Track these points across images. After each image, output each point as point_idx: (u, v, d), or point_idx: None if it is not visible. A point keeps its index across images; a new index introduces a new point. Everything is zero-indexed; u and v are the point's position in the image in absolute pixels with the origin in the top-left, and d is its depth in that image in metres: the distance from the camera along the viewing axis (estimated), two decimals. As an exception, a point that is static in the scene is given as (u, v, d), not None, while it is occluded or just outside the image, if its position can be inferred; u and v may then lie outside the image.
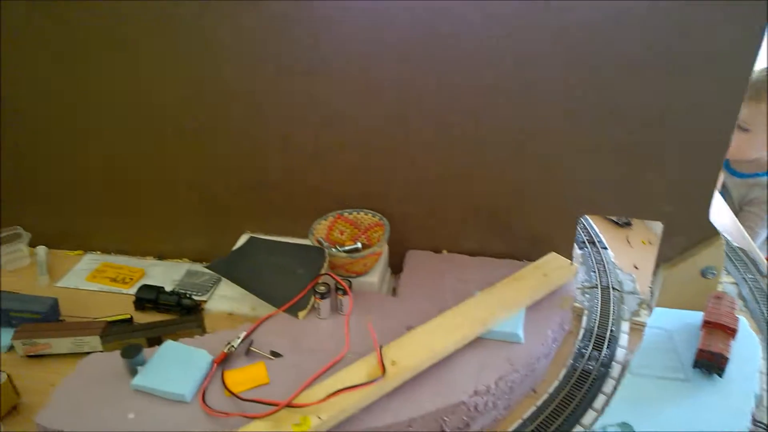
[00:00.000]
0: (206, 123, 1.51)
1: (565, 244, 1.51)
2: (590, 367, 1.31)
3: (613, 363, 1.32)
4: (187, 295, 1.52)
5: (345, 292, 1.34)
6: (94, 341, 1.35)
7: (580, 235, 1.76)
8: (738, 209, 2.31)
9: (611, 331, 1.40)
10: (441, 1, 1.25)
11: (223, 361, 1.21)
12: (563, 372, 1.31)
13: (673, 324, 1.30)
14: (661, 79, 1.25)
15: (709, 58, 1.21)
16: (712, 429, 1.07)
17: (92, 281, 1.64)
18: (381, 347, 1.18)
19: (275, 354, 1.24)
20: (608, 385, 1.26)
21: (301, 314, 1.34)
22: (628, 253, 1.74)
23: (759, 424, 1.12)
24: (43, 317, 1.42)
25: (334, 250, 1.44)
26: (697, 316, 1.29)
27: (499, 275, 1.41)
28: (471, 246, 1.57)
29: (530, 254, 1.51)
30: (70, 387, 1.17)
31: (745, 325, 1.29)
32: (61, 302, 1.49)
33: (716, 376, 1.17)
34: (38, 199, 1.73)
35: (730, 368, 1.18)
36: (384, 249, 1.52)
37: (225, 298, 1.52)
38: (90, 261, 1.74)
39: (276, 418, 1.05)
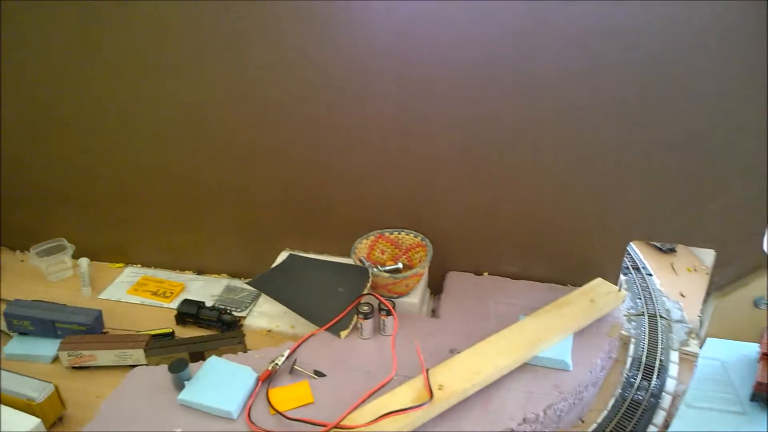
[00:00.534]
0: (252, 141, 1.52)
1: (613, 269, 1.48)
2: (640, 397, 1.27)
3: (663, 393, 1.28)
4: (228, 311, 1.52)
5: (389, 313, 1.32)
6: (138, 354, 1.36)
7: (624, 260, 1.72)
8: None
9: (660, 360, 1.37)
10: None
11: (268, 379, 1.20)
12: (612, 402, 1.28)
13: (727, 355, 1.27)
14: (720, 110, 1.23)
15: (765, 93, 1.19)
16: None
17: (134, 294, 1.65)
18: (428, 370, 1.16)
19: (318, 373, 1.22)
20: (659, 417, 1.23)
21: (343, 334, 1.33)
22: (674, 280, 1.70)
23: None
24: (88, 329, 1.43)
25: (376, 269, 1.43)
26: (752, 348, 1.25)
27: (543, 299, 1.39)
28: (514, 269, 1.56)
29: (574, 279, 1.49)
30: (118, 400, 1.17)
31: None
32: (104, 314, 1.50)
33: (774, 411, 1.13)
34: (82, 211, 1.75)
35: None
36: (425, 270, 1.50)
37: (264, 315, 1.52)
38: (131, 274, 1.75)
39: (323, 440, 1.04)
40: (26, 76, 1.54)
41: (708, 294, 1.45)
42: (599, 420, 1.23)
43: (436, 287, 1.58)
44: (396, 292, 1.42)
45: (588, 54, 1.24)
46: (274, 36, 1.36)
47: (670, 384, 1.31)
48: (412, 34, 1.29)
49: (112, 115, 1.56)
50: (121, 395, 1.18)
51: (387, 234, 1.53)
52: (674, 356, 1.39)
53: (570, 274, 1.52)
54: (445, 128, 1.40)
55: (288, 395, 1.17)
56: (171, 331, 1.47)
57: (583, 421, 1.26)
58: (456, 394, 1.11)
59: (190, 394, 1.15)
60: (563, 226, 1.46)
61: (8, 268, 1.77)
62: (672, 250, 1.84)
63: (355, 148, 1.47)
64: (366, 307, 1.32)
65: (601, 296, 1.39)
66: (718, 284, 1.43)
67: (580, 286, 1.44)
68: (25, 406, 1.18)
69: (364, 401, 1.13)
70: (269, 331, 1.49)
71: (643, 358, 1.38)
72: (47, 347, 1.42)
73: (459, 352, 1.23)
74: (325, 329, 1.34)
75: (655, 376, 1.32)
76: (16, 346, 1.44)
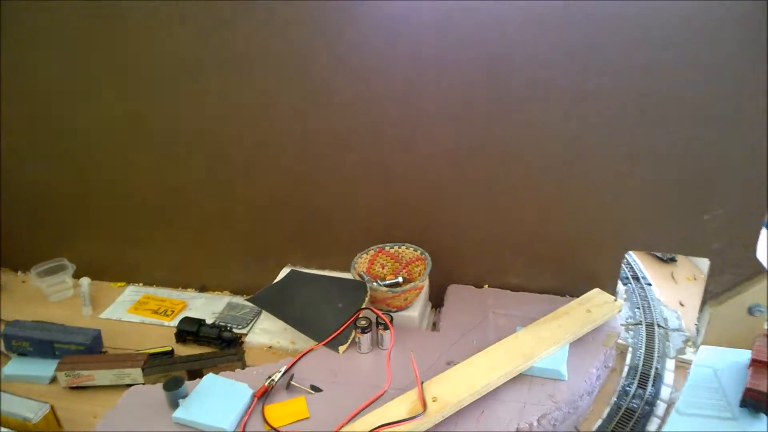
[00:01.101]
0: (252, 159, 1.54)
1: (610, 280, 1.49)
2: (635, 405, 1.28)
3: (658, 401, 1.28)
4: (228, 328, 1.53)
5: (386, 327, 1.33)
6: (135, 373, 1.37)
7: (624, 271, 1.73)
8: None
9: (656, 369, 1.37)
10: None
11: (264, 395, 1.21)
12: (607, 410, 1.28)
13: (719, 362, 1.27)
14: (714, 124, 1.25)
15: (759, 107, 1.21)
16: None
17: (134, 313, 1.67)
18: (422, 383, 1.16)
19: (315, 388, 1.23)
20: (653, 424, 1.23)
21: (342, 349, 1.33)
22: (673, 290, 1.70)
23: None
24: (87, 349, 1.44)
25: (374, 284, 1.44)
26: (745, 355, 1.26)
27: (542, 311, 1.39)
28: (514, 281, 1.56)
29: (574, 290, 1.49)
30: (114, 419, 1.18)
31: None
32: (104, 333, 1.52)
33: (764, 416, 1.14)
34: (83, 231, 1.77)
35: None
36: (425, 283, 1.51)
37: (265, 332, 1.53)
38: (132, 293, 1.76)
39: (317, 454, 1.04)
40: (26, 92, 1.57)
41: (703, 302, 1.45)
42: (594, 428, 1.24)
43: (437, 301, 1.59)
44: (395, 305, 1.43)
45: (587, 63, 1.25)
46: (270, 51, 1.39)
47: (665, 392, 1.31)
48: (408, 38, 1.31)
49: (111, 134, 1.58)
50: (117, 414, 1.19)
51: (387, 248, 1.54)
52: (670, 364, 1.39)
53: (569, 286, 1.52)
54: (445, 142, 1.42)
55: (284, 411, 1.18)
56: (170, 349, 1.48)
57: (578, 430, 1.26)
58: (450, 406, 1.12)
59: (185, 412, 1.16)
60: (561, 237, 1.47)
61: (9, 288, 1.80)
62: (672, 260, 1.85)
63: (354, 162, 1.49)
64: (363, 322, 1.33)
65: (597, 306, 1.39)
66: (714, 292, 1.44)
67: (579, 297, 1.45)
68: (21, 427, 1.19)
69: (357, 414, 1.13)
70: (270, 347, 1.50)
71: (639, 367, 1.38)
72: (45, 368, 1.43)
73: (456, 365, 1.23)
74: (324, 344, 1.35)
75: (650, 385, 1.33)
76: (15, 367, 1.45)
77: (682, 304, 1.63)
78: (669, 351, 1.44)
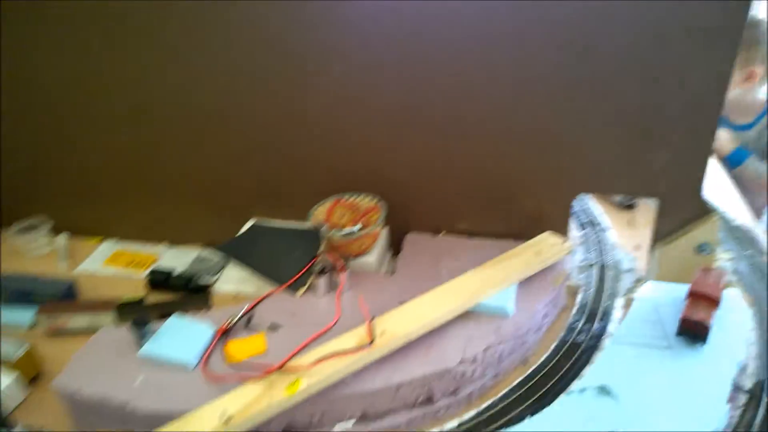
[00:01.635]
0: (214, 112, 1.58)
1: (562, 223, 1.54)
2: (580, 339, 1.34)
3: (605, 337, 1.35)
4: (196, 277, 1.59)
5: (341, 271, 1.39)
6: (109, 318, 1.44)
7: (581, 216, 1.78)
8: None
9: (605, 307, 1.43)
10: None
11: (225, 333, 1.27)
12: (554, 345, 1.34)
13: (661, 297, 1.33)
14: (656, 58, 1.28)
15: (700, 34, 1.24)
16: (693, 394, 1.10)
17: (109, 265, 1.73)
18: (373, 318, 1.23)
19: (274, 326, 1.30)
20: (598, 357, 1.29)
21: (299, 292, 1.40)
22: (631, 236, 1.75)
23: (739, 389, 1.14)
24: (62, 298, 1.51)
25: (331, 232, 1.50)
26: (686, 289, 1.31)
27: (495, 255, 1.45)
28: (469, 227, 1.62)
29: (528, 234, 1.54)
30: (85, 356, 1.25)
31: (737, 298, 1.31)
32: (80, 285, 1.58)
33: (700, 345, 1.19)
34: (59, 188, 1.82)
35: (716, 338, 1.21)
36: (381, 231, 1.56)
37: (232, 280, 1.59)
38: (108, 248, 1.82)
39: (269, 381, 1.11)
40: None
41: (653, 243, 1.51)
42: (540, 361, 1.30)
43: (397, 248, 1.64)
44: (353, 252, 1.49)
45: (524, 10, 1.29)
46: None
47: (613, 328, 1.37)
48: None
49: (81, 89, 1.62)
50: (90, 350, 1.27)
51: (345, 199, 1.59)
52: (620, 302, 1.45)
53: (524, 230, 1.55)
54: (395, 92, 1.46)
55: (243, 347, 1.24)
56: (141, 297, 1.55)
57: (526, 363, 1.32)
58: (397, 338, 1.18)
59: (151, 348, 1.23)
60: (511, 180, 1.52)
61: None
62: (631, 207, 1.90)
63: (311, 114, 1.53)
64: (319, 267, 1.40)
65: (547, 248, 1.45)
66: (663, 233, 1.49)
67: (532, 240, 1.50)
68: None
69: (307, 347, 1.20)
70: (237, 294, 1.56)
71: (588, 305, 1.44)
72: (23, 316, 1.50)
73: (407, 304, 1.30)
74: (283, 289, 1.41)
75: (597, 320, 1.39)
76: (-7, 316, 1.51)
77: (638, 249, 1.69)
78: (619, 290, 1.49)
